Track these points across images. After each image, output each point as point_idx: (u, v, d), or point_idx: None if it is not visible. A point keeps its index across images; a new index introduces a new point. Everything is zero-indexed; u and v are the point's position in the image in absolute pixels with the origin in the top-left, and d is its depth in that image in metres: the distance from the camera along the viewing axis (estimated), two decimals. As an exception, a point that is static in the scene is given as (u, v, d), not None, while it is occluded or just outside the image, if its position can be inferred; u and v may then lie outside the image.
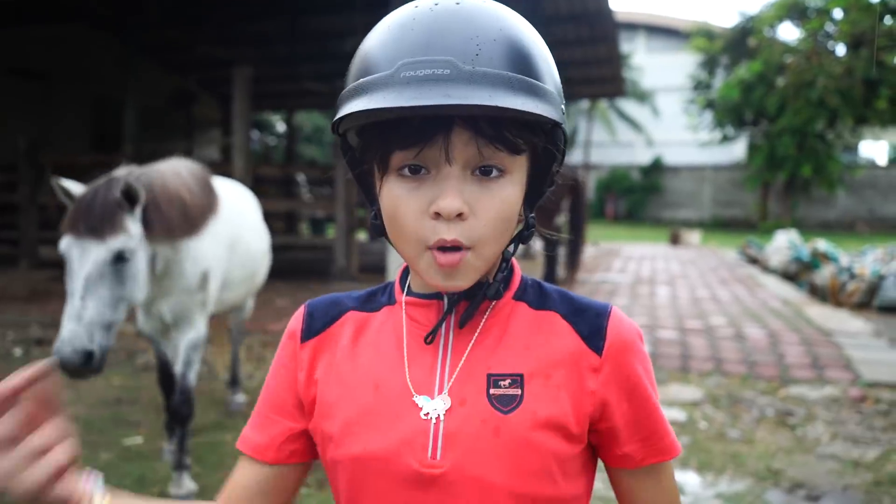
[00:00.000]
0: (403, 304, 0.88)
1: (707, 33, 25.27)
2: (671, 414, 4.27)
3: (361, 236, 11.56)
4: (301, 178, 14.35)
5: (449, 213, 0.75)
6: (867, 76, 19.15)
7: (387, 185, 0.79)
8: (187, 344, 3.17)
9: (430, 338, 0.85)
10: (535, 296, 0.89)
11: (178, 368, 3.19)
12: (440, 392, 0.82)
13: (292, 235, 13.07)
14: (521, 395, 0.81)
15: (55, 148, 10.55)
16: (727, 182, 27.49)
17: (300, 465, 0.91)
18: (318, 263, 10.23)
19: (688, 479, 3.42)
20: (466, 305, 0.85)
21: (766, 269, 11.52)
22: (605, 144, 29.92)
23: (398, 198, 0.78)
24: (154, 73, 12.76)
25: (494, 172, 0.77)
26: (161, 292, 3.05)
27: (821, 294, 8.62)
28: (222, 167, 10.94)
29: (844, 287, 8.35)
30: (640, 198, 28.59)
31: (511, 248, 0.86)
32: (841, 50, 20.49)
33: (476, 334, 0.85)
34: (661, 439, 0.87)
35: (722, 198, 27.80)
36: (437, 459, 0.80)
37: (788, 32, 31.61)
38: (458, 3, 0.76)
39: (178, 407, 3.15)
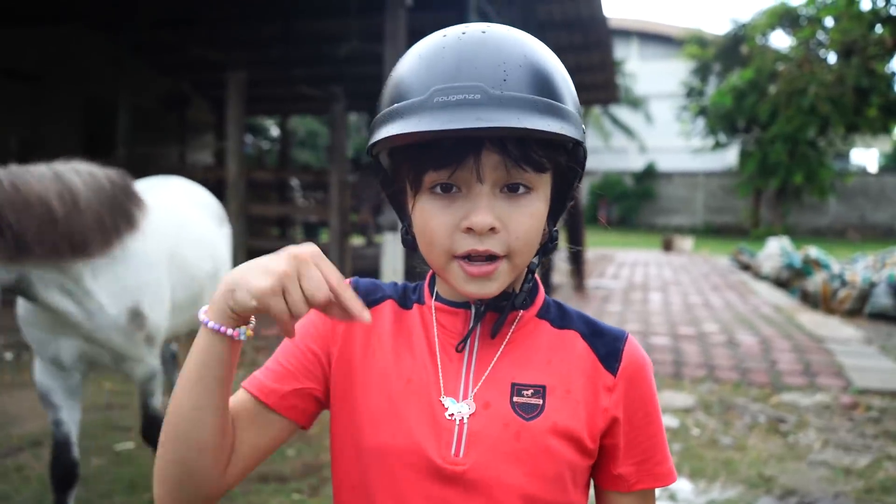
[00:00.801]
0: (433, 308, 0.93)
1: (700, 40, 25.39)
2: (664, 420, 4.28)
3: (355, 241, 11.55)
4: (295, 182, 14.32)
5: (481, 229, 0.80)
6: (858, 84, 19.27)
7: (420, 203, 0.84)
8: (140, 379, 2.78)
9: (461, 346, 0.89)
10: (557, 315, 0.94)
11: (138, 399, 2.91)
12: (465, 396, 0.87)
13: (286, 240, 13.05)
14: (543, 404, 0.86)
15: (47, 150, 10.48)
16: (719, 189, 27.59)
17: (291, 423, 0.92)
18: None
19: (680, 486, 3.43)
20: (493, 316, 0.90)
21: (758, 275, 11.57)
22: (598, 150, 29.99)
23: (431, 214, 0.83)
24: (147, 75, 12.72)
25: (521, 189, 0.82)
26: (69, 331, 2.50)
27: (812, 301, 8.66)
28: (216, 171, 10.93)
29: (836, 294, 8.39)
30: (632, 204, 28.67)
31: (535, 259, 0.90)
32: (832, 58, 20.62)
33: (503, 345, 0.90)
34: (658, 465, 0.91)
35: (714, 204, 27.89)
36: (460, 457, 0.84)
37: (780, 40, 31.80)
38: (483, 32, 0.82)
39: (145, 433, 2.87)
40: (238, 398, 0.91)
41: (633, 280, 10.99)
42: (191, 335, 3.16)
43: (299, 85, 11.29)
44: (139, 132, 11.16)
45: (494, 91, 0.76)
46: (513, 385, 0.87)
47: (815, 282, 8.76)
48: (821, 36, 20.69)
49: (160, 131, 13.71)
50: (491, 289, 0.84)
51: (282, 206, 12.60)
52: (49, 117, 11.41)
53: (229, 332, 0.79)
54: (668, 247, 17.95)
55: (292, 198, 14.38)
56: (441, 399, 0.87)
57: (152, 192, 3.00)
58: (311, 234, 14.70)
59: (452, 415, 0.86)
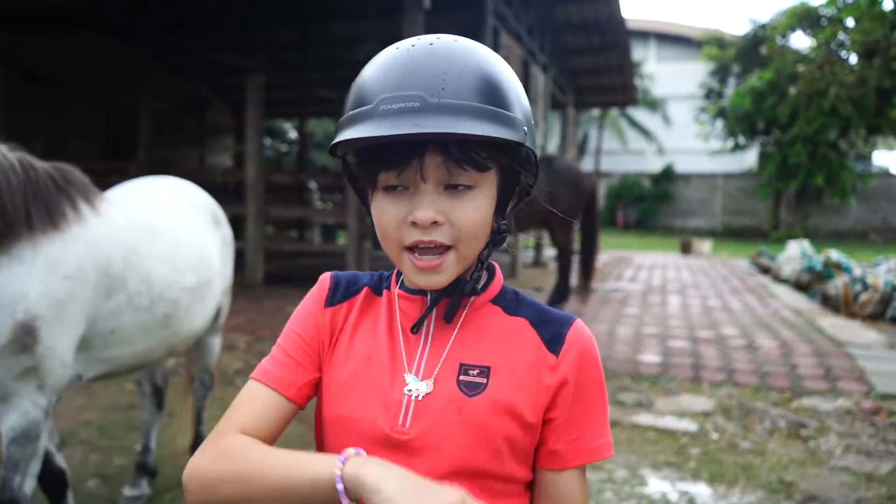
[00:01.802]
0: (396, 296, 1.03)
1: (718, 41, 25.24)
2: (682, 424, 4.26)
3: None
4: (312, 184, 14.40)
5: (423, 223, 0.89)
6: (880, 85, 19.05)
7: (375, 199, 0.95)
8: (7, 434, 2.10)
9: (416, 328, 0.99)
10: (511, 304, 1.02)
11: None
12: (418, 374, 0.96)
13: (304, 242, 13.13)
14: (486, 383, 0.95)
15: (70, 154, 10.64)
16: (738, 191, 27.38)
17: (297, 407, 1.02)
18: (330, 270, 10.25)
19: (699, 490, 3.41)
20: (447, 302, 0.98)
21: (778, 278, 11.46)
22: (615, 152, 29.89)
23: (383, 209, 0.93)
24: (167, 79, 12.87)
25: (461, 188, 0.90)
26: None
27: (833, 304, 8.56)
28: (235, 174, 11.03)
29: (857, 298, 8.29)
30: (650, 206, 28.52)
31: (486, 252, 0.98)
32: (853, 59, 20.40)
33: (457, 329, 0.99)
34: (591, 440, 0.98)
35: (733, 206, 27.68)
36: (406, 427, 0.94)
37: (800, 41, 31.50)
38: (431, 44, 0.90)
39: None
40: (265, 400, 0.99)
41: (652, 283, 10.93)
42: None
43: (317, 88, 11.36)
44: (160, 136, 11.29)
45: (433, 99, 0.84)
46: (461, 365, 0.96)
47: (836, 285, 8.66)
48: (842, 37, 20.48)
49: (180, 135, 13.86)
50: (439, 280, 0.93)
51: (300, 208, 12.67)
52: (71, 122, 11.58)
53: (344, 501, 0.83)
54: (686, 249, 17.83)
55: (310, 200, 14.46)
56: (405, 375, 0.96)
57: (128, 194, 2.77)
58: (328, 237, 14.77)
59: (410, 390, 0.95)
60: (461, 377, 0.95)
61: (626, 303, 8.56)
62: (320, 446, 1.01)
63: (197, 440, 3.36)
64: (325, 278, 1.09)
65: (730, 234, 26.26)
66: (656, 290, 9.93)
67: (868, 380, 5.08)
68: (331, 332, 1.03)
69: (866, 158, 27.10)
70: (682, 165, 28.74)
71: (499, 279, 1.04)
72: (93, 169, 9.20)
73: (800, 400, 4.72)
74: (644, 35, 30.43)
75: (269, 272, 9.47)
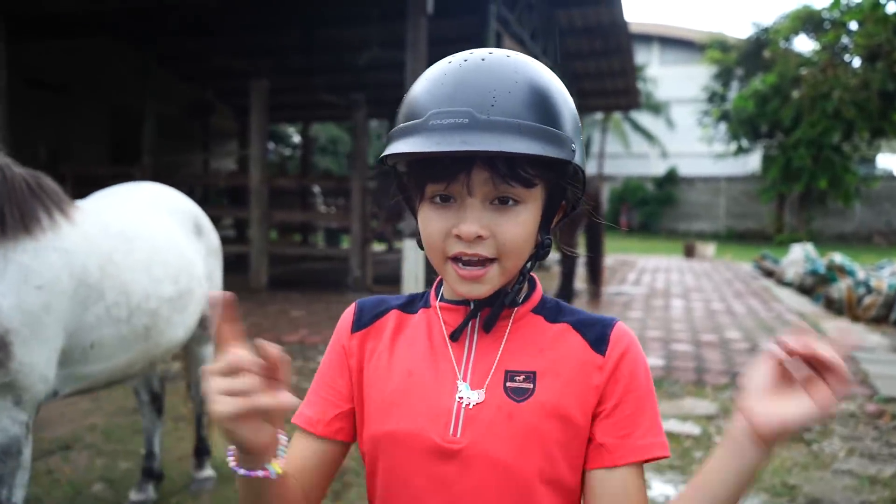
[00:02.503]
0: (438, 308, 1.03)
1: (721, 45, 25.25)
2: (686, 428, 4.26)
3: (376, 247, 11.61)
4: (316, 189, 14.43)
5: (468, 237, 0.90)
6: (883, 88, 19.04)
7: (422, 209, 0.96)
8: None
9: (456, 336, 0.99)
10: (552, 312, 1.03)
11: None
12: (464, 381, 0.97)
13: (307, 246, 13.16)
14: (533, 388, 0.95)
15: (75, 158, 10.69)
16: (742, 194, 27.37)
17: (343, 444, 1.03)
18: (334, 274, 10.29)
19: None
20: (489, 311, 0.99)
21: (782, 282, 11.46)
22: (619, 156, 29.89)
23: (429, 220, 0.94)
24: (172, 83, 12.91)
25: (510, 203, 0.91)
26: None
27: (837, 308, 8.56)
28: (239, 178, 11.07)
29: (861, 301, 8.28)
30: (654, 209, 28.51)
31: (528, 265, 0.99)
32: (857, 62, 20.39)
33: (504, 338, 0.99)
34: (643, 437, 0.95)
35: (737, 210, 27.67)
36: (458, 437, 0.93)
37: (804, 44, 31.47)
38: (483, 59, 0.91)
39: None
40: (298, 442, 1.01)
41: (655, 286, 10.93)
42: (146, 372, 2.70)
43: (321, 92, 11.40)
44: (164, 140, 11.33)
45: (481, 116, 0.85)
46: (506, 372, 0.96)
47: (840, 288, 8.66)
48: (845, 40, 20.48)
49: (185, 139, 13.91)
50: (481, 290, 0.94)
51: (304, 212, 12.70)
52: (77, 126, 11.63)
53: (260, 474, 0.83)
54: (689, 253, 17.82)
55: (314, 204, 14.48)
56: (458, 382, 0.96)
57: (103, 202, 2.69)
58: (332, 241, 14.80)
59: (462, 398, 0.95)
60: (508, 384, 0.96)
61: (630, 306, 8.57)
62: (371, 467, 1.00)
63: (200, 444, 3.37)
64: (350, 307, 1.10)
65: (733, 238, 26.24)
66: (660, 294, 9.93)
67: (872, 383, 5.08)
68: (360, 356, 1.04)
69: (870, 161, 27.06)
70: (686, 169, 28.74)
71: (539, 290, 1.06)
72: (97, 174, 9.19)
73: (803, 403, 4.72)
74: (647, 39, 30.47)
75: (273, 276, 9.49)
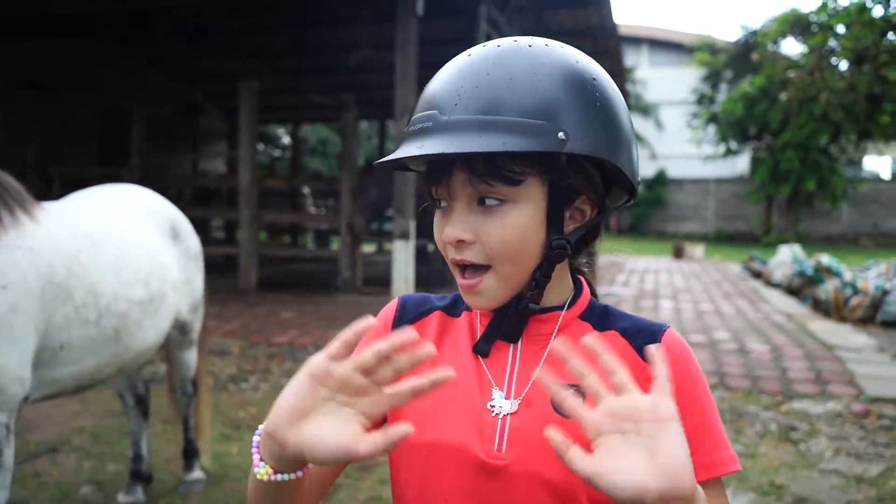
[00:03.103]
0: (478, 313, 0.98)
1: (710, 47, 25.40)
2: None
3: (367, 248, 11.60)
4: (306, 190, 14.41)
5: (450, 241, 0.87)
6: (870, 91, 19.22)
7: (435, 214, 0.93)
8: None
9: (481, 349, 0.94)
10: (600, 318, 0.97)
11: None
12: (508, 394, 0.91)
13: (297, 247, 13.14)
14: (583, 403, 0.86)
15: (64, 159, 10.63)
16: (731, 195, 27.53)
17: None
18: (323, 275, 10.28)
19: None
20: (512, 319, 0.94)
21: (770, 283, 11.53)
22: (608, 157, 29.95)
23: (435, 225, 0.92)
24: (162, 85, 12.87)
25: (493, 202, 0.86)
26: None
27: (824, 309, 8.62)
28: (228, 179, 11.04)
29: (848, 302, 8.35)
30: (643, 211, 28.64)
31: (541, 269, 0.91)
32: (844, 65, 20.57)
33: (548, 347, 0.93)
34: (710, 453, 0.87)
35: (725, 211, 27.83)
36: (502, 452, 0.88)
37: (791, 47, 31.75)
38: (469, 55, 0.88)
39: None
40: None
41: (644, 287, 10.98)
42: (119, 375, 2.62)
43: (311, 93, 11.39)
44: (154, 141, 11.29)
45: (443, 117, 0.82)
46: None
47: (827, 289, 8.72)
48: (832, 43, 20.65)
49: (174, 140, 13.86)
50: (480, 302, 0.90)
51: (293, 213, 12.67)
52: (67, 128, 11.57)
53: (297, 474, 0.80)
54: (678, 254, 17.91)
55: (304, 205, 14.46)
56: (492, 390, 0.91)
57: (73, 203, 2.66)
58: (322, 242, 14.78)
59: (493, 406, 0.90)
60: None
61: (619, 307, 8.59)
62: (403, 475, 0.95)
63: (187, 446, 3.36)
64: (393, 302, 1.05)
65: (722, 239, 26.38)
66: (649, 295, 9.97)
67: (858, 383, 5.12)
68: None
69: (857, 164, 27.30)
70: (675, 170, 28.88)
71: (586, 294, 0.99)
72: (85, 175, 9.16)
73: (790, 403, 4.76)
74: (636, 41, 30.60)
75: (263, 278, 9.47)
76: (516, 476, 0.87)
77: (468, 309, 0.99)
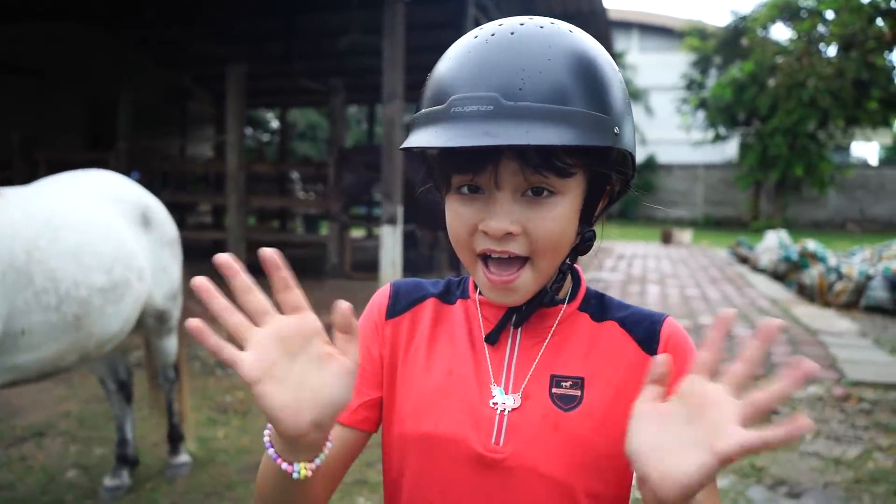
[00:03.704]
0: (478, 302, 0.96)
1: (700, 33, 25.35)
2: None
3: (355, 234, 11.59)
4: (295, 175, 14.35)
5: (496, 234, 0.82)
6: (858, 77, 19.28)
7: (448, 200, 0.88)
8: None
9: (492, 338, 0.92)
10: (597, 308, 0.95)
11: None
12: (506, 387, 0.89)
13: (286, 232, 13.10)
14: (581, 396, 0.88)
15: (50, 144, 10.54)
16: (719, 181, 27.61)
17: (364, 433, 0.95)
18: (312, 261, 10.27)
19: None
20: (530, 311, 0.91)
21: (756, 268, 11.62)
22: (598, 143, 29.96)
23: (456, 213, 0.86)
24: (149, 69, 12.75)
25: (544, 194, 0.82)
26: None
27: (809, 294, 8.71)
28: (216, 164, 10.97)
29: (832, 287, 8.44)
30: (632, 196, 28.63)
31: (568, 260, 0.91)
32: (832, 51, 20.61)
33: (547, 339, 0.91)
34: None
35: (714, 197, 27.92)
36: (500, 446, 0.87)
37: (781, 33, 31.77)
38: (512, 33, 0.81)
39: None
40: None
41: (632, 273, 11.04)
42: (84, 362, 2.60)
43: (300, 78, 11.32)
44: (141, 126, 11.18)
45: (507, 102, 0.76)
46: (552, 377, 0.89)
47: (812, 275, 8.81)
48: (821, 29, 20.67)
49: (162, 125, 13.75)
50: (513, 298, 0.86)
51: (282, 198, 12.63)
52: (52, 112, 11.45)
53: (283, 465, 0.75)
54: (666, 239, 17.99)
55: (292, 190, 14.41)
56: (490, 386, 0.89)
57: (36, 189, 2.64)
58: (311, 227, 14.74)
59: (496, 403, 0.88)
60: (554, 390, 0.88)
61: (606, 292, 8.65)
62: (396, 465, 0.93)
63: (172, 431, 3.39)
64: (385, 289, 1.01)
65: (711, 225, 26.50)
66: (636, 280, 10.03)
67: (840, 367, 5.20)
68: (394, 346, 0.96)
69: (845, 150, 27.43)
70: (664, 156, 28.92)
71: (584, 285, 0.97)
72: (72, 160, 9.10)
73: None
74: (626, 26, 30.52)
75: (251, 263, 9.44)
76: (514, 469, 0.86)
77: (463, 297, 0.97)
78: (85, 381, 4.58)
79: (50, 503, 3.09)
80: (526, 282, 0.84)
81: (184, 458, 3.41)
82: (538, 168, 0.79)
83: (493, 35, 0.81)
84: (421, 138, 0.81)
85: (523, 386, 0.89)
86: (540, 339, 0.91)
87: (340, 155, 8.42)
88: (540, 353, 0.90)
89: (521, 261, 0.84)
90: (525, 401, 0.88)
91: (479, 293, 0.96)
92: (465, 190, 0.84)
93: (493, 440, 0.87)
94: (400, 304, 0.98)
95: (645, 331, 0.92)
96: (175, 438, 3.39)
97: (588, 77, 0.80)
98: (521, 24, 0.81)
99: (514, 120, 0.75)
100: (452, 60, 0.83)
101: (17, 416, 4.09)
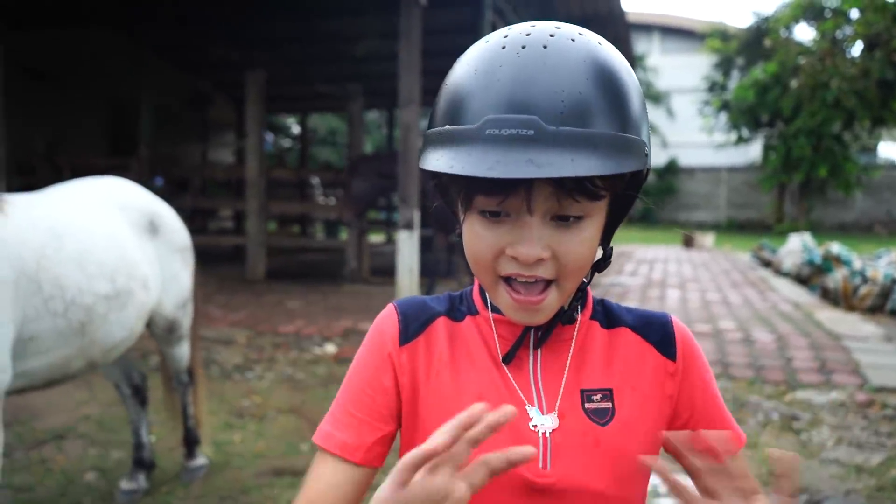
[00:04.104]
0: (492, 320, 0.92)
1: (722, 34, 25.15)
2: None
3: (373, 238, 11.63)
4: (315, 180, 14.45)
5: (527, 260, 0.79)
6: (883, 77, 18.98)
7: (469, 221, 0.83)
8: None
9: (509, 359, 0.89)
10: (603, 315, 0.95)
11: None
12: (539, 407, 0.88)
13: (306, 238, 13.19)
14: (613, 408, 0.88)
15: (73, 150, 10.71)
16: (743, 184, 27.33)
17: (375, 470, 0.92)
18: (331, 265, 10.32)
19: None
20: (544, 327, 0.90)
21: (779, 272, 11.46)
22: (619, 146, 29.79)
23: (478, 235, 0.82)
24: (170, 75, 12.90)
25: (572, 219, 0.80)
26: None
27: (833, 298, 8.57)
28: (236, 170, 11.08)
29: (857, 291, 8.30)
30: (654, 200, 28.46)
31: (587, 279, 0.91)
32: (856, 51, 20.32)
33: (570, 354, 0.90)
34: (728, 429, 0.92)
35: (737, 200, 27.63)
36: (548, 470, 0.85)
37: (804, 33, 31.40)
38: (545, 47, 0.76)
39: None
40: (332, 468, 0.89)
41: (652, 277, 10.95)
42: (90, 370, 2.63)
43: (318, 83, 11.39)
44: (162, 131, 11.34)
45: (550, 126, 0.72)
46: (582, 392, 0.88)
47: (836, 278, 8.67)
48: (847, 29, 20.39)
49: (183, 130, 13.92)
50: (538, 318, 0.84)
51: (301, 203, 12.72)
52: (74, 118, 11.63)
53: None
54: (688, 243, 17.83)
55: (312, 195, 14.50)
56: (526, 408, 0.87)
57: (42, 196, 2.66)
58: (332, 232, 14.82)
59: (535, 426, 0.86)
60: (586, 405, 0.87)
61: (625, 297, 8.58)
62: None
63: (187, 435, 3.40)
64: (390, 314, 0.95)
65: (734, 228, 26.22)
66: (656, 284, 9.95)
67: (863, 372, 5.10)
68: (413, 372, 0.91)
69: (871, 151, 27.00)
70: (686, 159, 28.68)
71: (590, 293, 0.96)
72: (94, 164, 9.22)
73: (794, 393, 4.75)
74: (647, 28, 30.36)
75: (271, 268, 9.52)
76: (565, 492, 0.85)
77: (471, 313, 0.94)
78: (105, 385, 4.63)
79: (68, 506, 3.13)
80: (551, 302, 0.83)
81: (200, 461, 3.42)
82: (571, 192, 0.77)
83: (524, 48, 0.76)
84: (450, 161, 0.75)
85: (557, 405, 0.87)
86: (561, 354, 0.90)
87: (350, 163, 8.46)
88: (566, 369, 0.89)
89: (547, 281, 0.82)
90: (562, 420, 0.87)
91: (492, 311, 0.92)
92: (489, 213, 0.80)
93: (541, 465, 0.85)
94: (411, 327, 0.93)
95: (658, 334, 0.93)
96: (191, 442, 3.40)
97: (621, 97, 0.77)
98: (552, 36, 0.77)
99: (557, 147, 0.72)
100: (480, 73, 0.77)
101: (37, 419, 4.15)
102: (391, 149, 14.35)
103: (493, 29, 8.52)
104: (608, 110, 0.75)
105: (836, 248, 9.76)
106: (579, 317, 0.92)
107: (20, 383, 2.35)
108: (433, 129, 0.81)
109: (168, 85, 12.54)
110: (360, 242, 8.90)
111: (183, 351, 3.23)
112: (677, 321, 0.95)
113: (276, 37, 11.00)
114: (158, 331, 3.04)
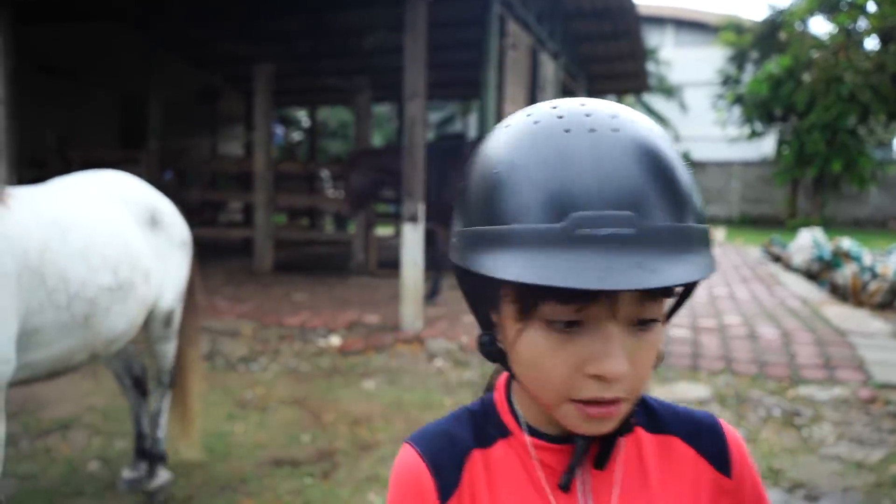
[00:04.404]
0: (531, 445, 0.80)
1: (736, 27, 24.92)
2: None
3: (381, 231, 11.66)
4: (325, 173, 14.49)
5: (615, 377, 0.68)
6: (898, 71, 18.76)
7: (529, 333, 0.71)
8: None
9: (567, 486, 0.78)
10: (645, 415, 0.85)
11: None
12: None
13: (314, 231, 13.24)
14: None
15: (83, 144, 10.80)
16: (756, 178, 27.12)
17: None
18: (338, 258, 10.37)
19: None
20: (598, 445, 0.79)
21: (789, 267, 11.40)
22: (631, 140, 29.66)
23: (546, 351, 0.70)
24: (180, 68, 12.96)
25: (651, 323, 0.71)
26: None
27: (842, 294, 8.52)
28: (245, 163, 11.13)
29: (866, 287, 8.24)
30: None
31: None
32: (871, 44, 20.09)
33: (620, 476, 0.80)
34: None
35: (751, 194, 27.43)
36: None
37: (819, 26, 31.06)
38: (616, 130, 0.67)
39: None
40: None
41: (661, 271, 10.91)
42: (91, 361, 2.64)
43: (326, 76, 11.41)
44: (172, 125, 11.40)
45: (646, 221, 0.63)
46: None
47: (845, 274, 8.61)
48: (862, 23, 20.16)
49: (193, 124, 13.99)
50: (608, 427, 0.73)
51: (309, 196, 12.77)
52: (85, 112, 11.72)
53: None
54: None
55: (321, 188, 14.55)
56: None
57: (44, 189, 2.68)
58: (340, 225, 14.86)
59: None
60: None
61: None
62: None
63: (153, 447, 3.21)
64: (413, 462, 0.80)
65: (747, 223, 26.06)
66: (664, 279, 9.91)
67: (867, 369, 5.08)
68: None
69: (886, 146, 26.70)
70: (699, 153, 28.50)
71: None
72: (104, 158, 9.29)
73: (796, 389, 4.73)
74: (661, 21, 30.15)
75: (278, 260, 9.58)
76: None
77: (502, 435, 0.81)
78: (110, 377, 4.69)
79: (70, 494, 3.18)
80: (622, 411, 0.72)
81: (161, 479, 3.17)
82: (655, 294, 0.68)
83: (592, 131, 0.66)
84: (536, 269, 0.63)
85: None
86: (608, 471, 0.79)
87: (350, 157, 8.50)
88: (618, 491, 0.79)
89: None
90: None
91: (531, 433, 0.80)
92: (558, 324, 0.68)
93: None
94: (447, 475, 0.79)
95: (711, 446, 0.83)
96: (154, 456, 3.16)
97: (689, 182, 0.70)
98: (615, 117, 0.68)
99: (659, 246, 0.63)
100: (545, 161, 0.66)
101: (44, 408, 4.21)
102: (401, 142, 14.38)
103: (501, 22, 8.45)
104: (689, 199, 0.68)
105: (846, 243, 9.68)
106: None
107: (23, 375, 2.37)
108: (490, 228, 0.68)
109: (178, 79, 12.60)
110: (368, 235, 8.93)
111: (170, 348, 3.20)
112: (727, 427, 0.85)
113: (284, 30, 11.03)
114: (155, 325, 3.05)
